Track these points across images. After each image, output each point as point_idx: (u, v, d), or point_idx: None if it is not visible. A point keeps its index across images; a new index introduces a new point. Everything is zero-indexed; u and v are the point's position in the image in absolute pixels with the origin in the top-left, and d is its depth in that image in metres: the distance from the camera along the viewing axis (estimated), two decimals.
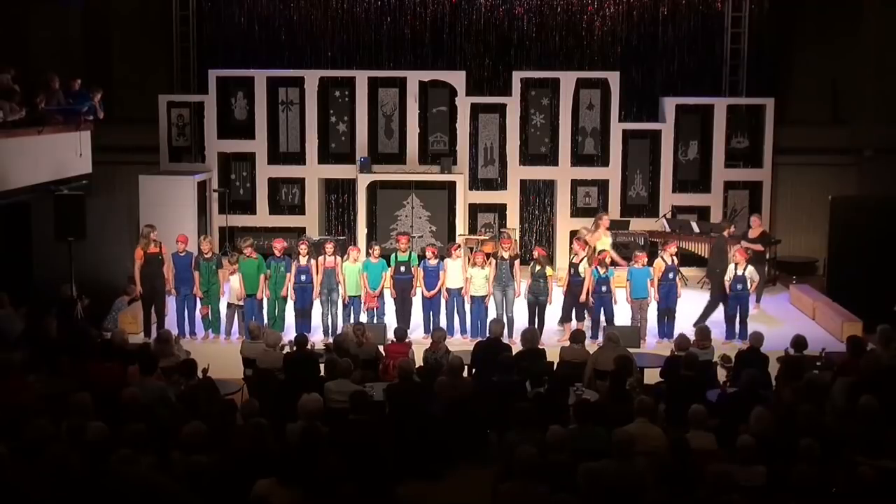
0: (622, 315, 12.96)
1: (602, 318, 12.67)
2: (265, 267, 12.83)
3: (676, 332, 12.63)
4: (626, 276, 13.01)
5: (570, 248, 13.37)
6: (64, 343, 10.28)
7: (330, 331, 12.91)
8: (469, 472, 8.18)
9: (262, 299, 12.87)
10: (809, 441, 6.69)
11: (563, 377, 9.45)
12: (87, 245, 12.43)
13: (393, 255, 13.12)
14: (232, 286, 12.85)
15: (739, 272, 12.71)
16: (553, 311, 12.98)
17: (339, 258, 12.98)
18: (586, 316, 12.83)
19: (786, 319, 13.97)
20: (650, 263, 13.03)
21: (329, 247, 13.08)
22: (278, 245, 13.06)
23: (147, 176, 16.25)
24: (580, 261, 12.76)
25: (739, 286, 12.71)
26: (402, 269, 12.96)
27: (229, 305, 12.98)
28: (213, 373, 9.20)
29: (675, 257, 13.01)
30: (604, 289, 12.62)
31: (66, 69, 14.81)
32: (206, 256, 12.92)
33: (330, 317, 13.02)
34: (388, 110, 17.23)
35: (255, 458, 6.50)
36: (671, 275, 12.80)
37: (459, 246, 13.72)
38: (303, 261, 12.88)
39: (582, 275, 12.66)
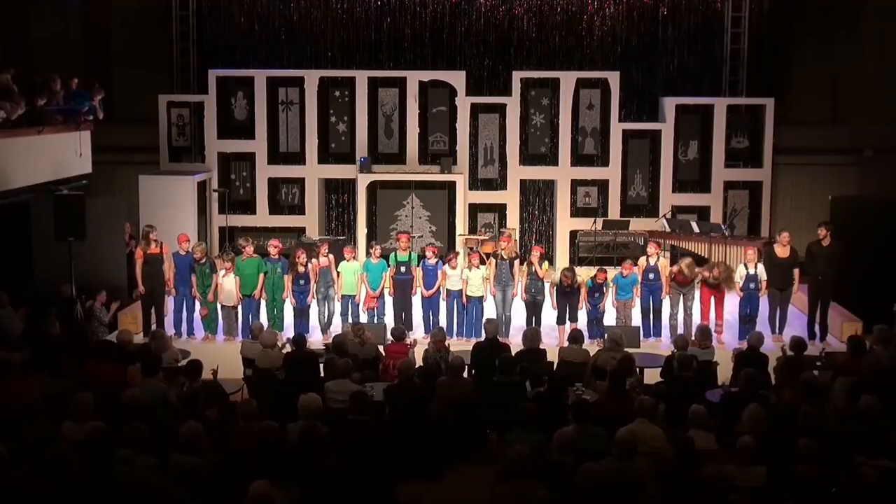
0: (609, 316, 13.03)
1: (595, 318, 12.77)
2: (264, 266, 12.84)
3: (665, 332, 12.77)
4: (611, 279, 13.05)
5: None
6: (64, 343, 10.28)
7: (325, 328, 12.96)
8: (469, 472, 8.17)
9: (259, 300, 12.89)
10: (808, 441, 6.69)
11: (562, 377, 9.45)
12: (87, 245, 12.43)
13: (392, 255, 13.12)
14: (225, 288, 12.85)
15: (752, 272, 12.75)
16: (551, 310, 12.99)
17: (332, 256, 13.02)
18: (579, 317, 12.86)
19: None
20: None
21: (324, 248, 13.07)
22: (274, 246, 13.07)
23: (147, 176, 16.23)
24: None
25: (752, 285, 12.74)
26: (403, 269, 12.97)
27: (223, 307, 12.98)
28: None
29: (658, 254, 13.04)
30: (597, 295, 12.76)
31: (66, 69, 14.80)
32: (199, 262, 12.91)
33: (326, 315, 13.04)
34: (388, 110, 17.23)
35: (254, 458, 6.49)
36: (651, 275, 12.89)
37: (458, 254, 13.58)
38: (301, 269, 12.87)
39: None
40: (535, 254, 13.04)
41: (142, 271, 12.86)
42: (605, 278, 12.75)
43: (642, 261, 13.06)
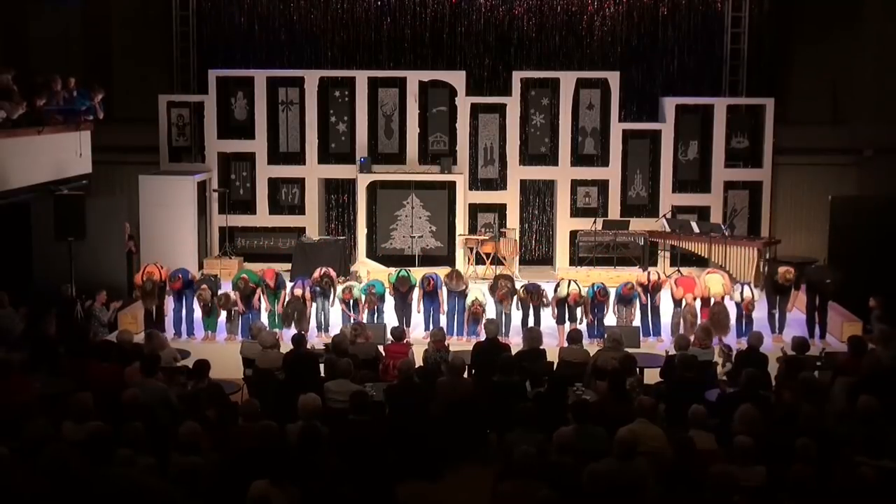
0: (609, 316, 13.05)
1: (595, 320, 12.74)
2: (248, 289, 12.78)
3: (665, 332, 12.77)
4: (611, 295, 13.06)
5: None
6: (64, 343, 10.28)
7: (323, 326, 12.98)
8: (469, 472, 8.18)
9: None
10: (806, 441, 6.69)
11: (562, 377, 9.45)
12: (87, 245, 12.44)
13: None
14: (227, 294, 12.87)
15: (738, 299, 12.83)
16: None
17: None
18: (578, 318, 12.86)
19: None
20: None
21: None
22: (269, 277, 12.93)
23: (147, 176, 16.26)
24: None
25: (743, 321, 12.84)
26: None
27: None
28: (213, 373, 9.20)
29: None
30: (596, 310, 12.75)
31: (66, 69, 14.80)
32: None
33: (323, 313, 13.05)
34: (388, 110, 17.22)
35: (254, 458, 6.49)
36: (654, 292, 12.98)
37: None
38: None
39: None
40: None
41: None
42: (606, 300, 12.77)
43: (643, 279, 13.08)
